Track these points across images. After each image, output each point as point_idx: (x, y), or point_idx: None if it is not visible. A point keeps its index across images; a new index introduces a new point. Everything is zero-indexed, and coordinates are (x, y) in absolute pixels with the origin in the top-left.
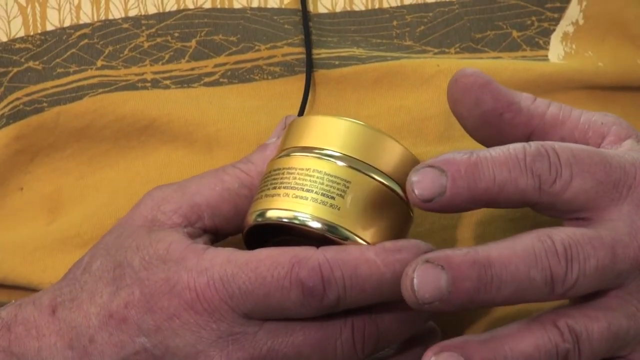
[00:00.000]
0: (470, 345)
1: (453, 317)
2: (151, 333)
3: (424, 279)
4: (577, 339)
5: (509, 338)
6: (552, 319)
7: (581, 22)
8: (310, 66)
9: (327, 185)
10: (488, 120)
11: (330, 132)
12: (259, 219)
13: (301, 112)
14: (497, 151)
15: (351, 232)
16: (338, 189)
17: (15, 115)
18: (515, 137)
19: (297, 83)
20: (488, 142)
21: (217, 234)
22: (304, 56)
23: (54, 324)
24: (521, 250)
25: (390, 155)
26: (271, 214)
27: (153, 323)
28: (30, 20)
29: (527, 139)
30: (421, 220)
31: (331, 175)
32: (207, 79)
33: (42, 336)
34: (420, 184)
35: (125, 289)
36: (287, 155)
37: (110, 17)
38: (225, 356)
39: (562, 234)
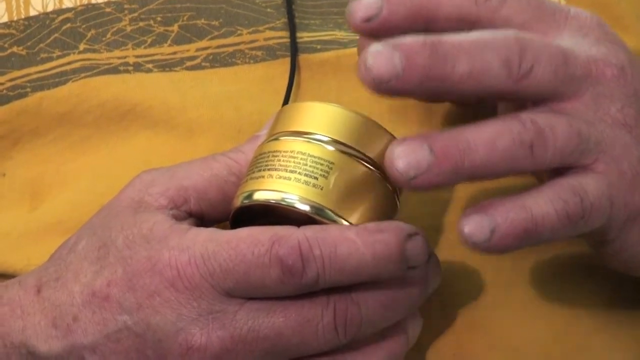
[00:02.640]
0: (431, 135)
1: (431, 307)
2: (133, 311)
3: (377, 58)
4: (541, 130)
5: (470, 128)
6: (514, 114)
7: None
8: (295, 50)
9: (310, 166)
10: None
11: (318, 117)
12: (246, 201)
13: (286, 97)
14: None
15: (334, 213)
16: (321, 170)
17: None
18: None
19: (279, 67)
20: None
21: (203, 219)
22: (285, 40)
23: (38, 303)
24: (473, 36)
25: (377, 141)
26: (258, 195)
27: (134, 301)
28: (14, 6)
29: None
30: (400, 207)
31: (315, 157)
32: (189, 63)
33: (26, 315)
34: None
35: (108, 267)
36: (276, 139)
37: (93, 1)
38: (205, 334)
39: (512, 30)
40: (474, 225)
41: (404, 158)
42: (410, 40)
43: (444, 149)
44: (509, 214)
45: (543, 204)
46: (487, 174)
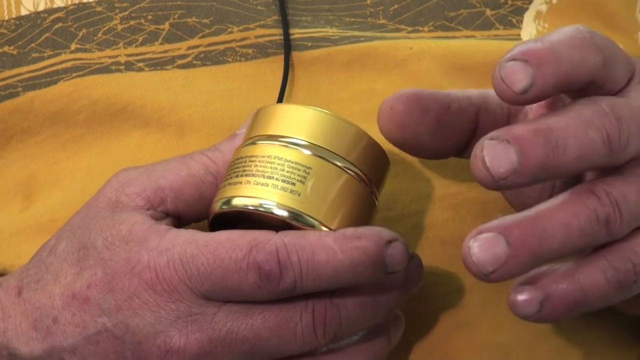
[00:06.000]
0: (506, 224)
1: (420, 306)
2: (112, 313)
3: (494, 155)
4: (615, 202)
5: (545, 210)
6: (588, 187)
7: (555, 0)
8: (288, 48)
9: (287, 172)
10: (441, 120)
11: (295, 121)
12: (224, 207)
13: (281, 94)
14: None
15: (312, 218)
16: (299, 175)
17: None
18: (468, 121)
19: (270, 65)
20: (447, 141)
21: (180, 219)
22: (276, 37)
23: (19, 305)
24: (574, 115)
25: (355, 143)
26: (236, 201)
27: (114, 303)
28: (5, 5)
29: (476, 116)
30: (391, 204)
31: (292, 162)
32: (180, 61)
33: (7, 317)
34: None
35: (88, 269)
36: (253, 143)
37: (84, 0)
38: (184, 336)
39: (603, 98)
40: (524, 298)
41: (481, 254)
42: (522, 130)
43: (520, 239)
44: (559, 286)
45: (594, 273)
46: (564, 255)
